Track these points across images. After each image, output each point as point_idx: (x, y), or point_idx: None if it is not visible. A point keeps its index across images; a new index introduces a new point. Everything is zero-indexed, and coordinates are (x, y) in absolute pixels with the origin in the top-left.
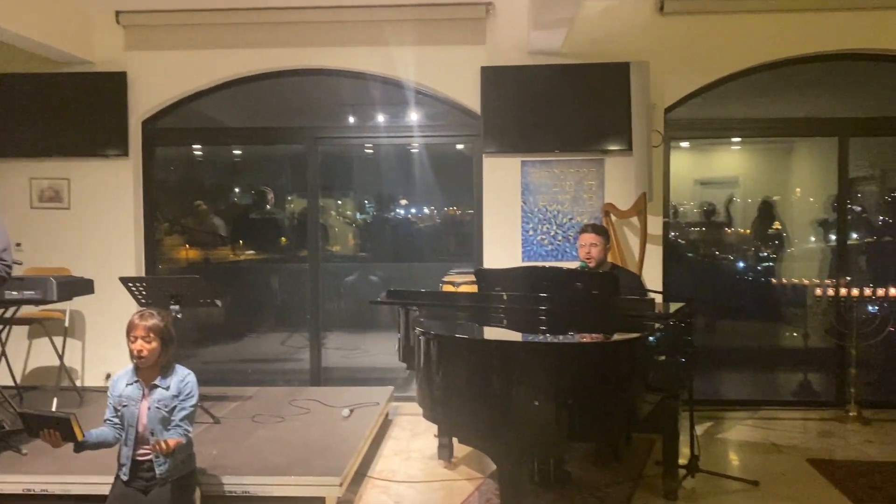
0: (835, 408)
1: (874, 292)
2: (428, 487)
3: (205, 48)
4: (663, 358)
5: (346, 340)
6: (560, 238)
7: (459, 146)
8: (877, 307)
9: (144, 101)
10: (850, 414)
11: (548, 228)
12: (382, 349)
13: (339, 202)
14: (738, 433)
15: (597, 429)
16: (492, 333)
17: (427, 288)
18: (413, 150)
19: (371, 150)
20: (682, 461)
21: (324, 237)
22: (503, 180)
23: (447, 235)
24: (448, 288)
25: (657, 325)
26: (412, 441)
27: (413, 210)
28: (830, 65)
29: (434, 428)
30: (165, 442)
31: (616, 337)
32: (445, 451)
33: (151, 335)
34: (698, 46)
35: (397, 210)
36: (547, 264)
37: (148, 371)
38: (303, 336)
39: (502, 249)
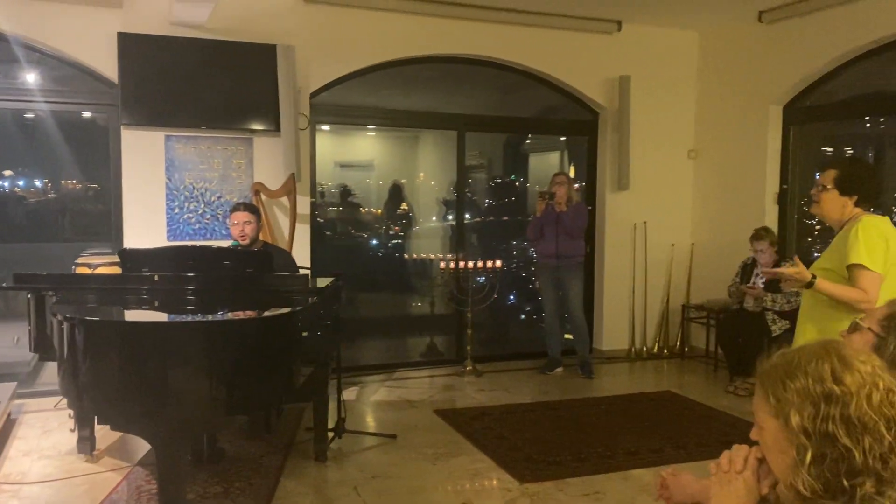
0: (455, 364)
1: (484, 264)
2: (67, 484)
3: None
4: (315, 330)
5: None
6: (208, 217)
7: (87, 114)
8: (485, 277)
9: None
10: (467, 368)
11: (195, 206)
12: None
13: None
14: (378, 394)
15: (256, 402)
16: (142, 315)
17: (50, 270)
18: (28, 116)
19: None
20: (331, 425)
21: None
22: (145, 155)
23: (76, 213)
24: (83, 270)
25: (310, 299)
26: (44, 438)
27: (24, 183)
28: (452, 66)
29: (69, 422)
30: None
31: (270, 312)
32: (86, 444)
33: None
34: (342, 36)
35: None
36: (198, 243)
37: None
38: None
39: (146, 228)
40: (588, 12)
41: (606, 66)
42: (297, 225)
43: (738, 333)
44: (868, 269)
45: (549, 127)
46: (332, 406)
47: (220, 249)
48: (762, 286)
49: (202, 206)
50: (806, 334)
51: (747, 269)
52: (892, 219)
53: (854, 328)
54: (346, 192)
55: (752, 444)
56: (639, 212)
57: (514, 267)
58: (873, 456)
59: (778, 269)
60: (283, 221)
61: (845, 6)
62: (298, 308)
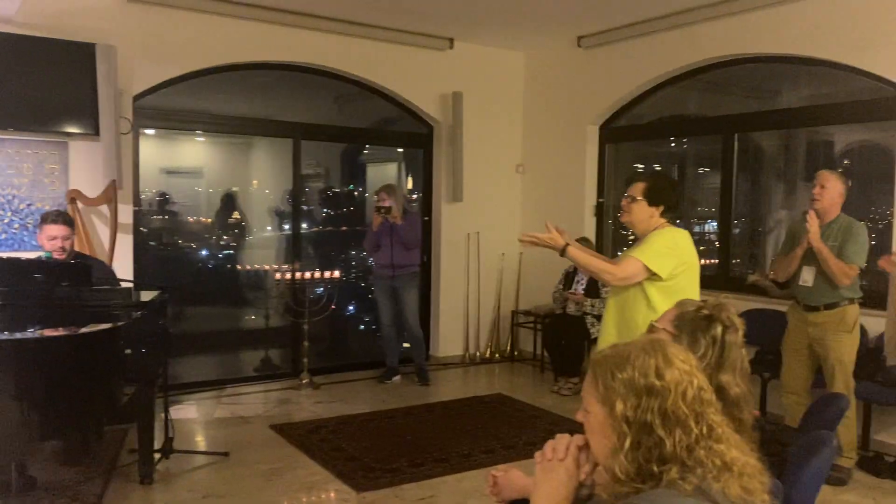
0: (292, 378)
1: (322, 275)
2: None
3: None
4: (139, 346)
5: None
6: (17, 226)
7: None
8: (322, 288)
9: None
10: (304, 381)
11: (1, 215)
12: None
13: None
14: (210, 411)
15: (72, 425)
16: None
17: None
18: None
19: None
20: (158, 445)
21: None
22: None
23: None
24: None
25: (134, 314)
26: None
27: None
28: (288, 73)
29: None
30: None
31: (87, 329)
32: None
33: None
34: (169, 38)
35: None
36: (4, 255)
37: None
38: None
39: None
40: (421, 28)
41: (440, 81)
42: (119, 235)
43: (562, 336)
44: (637, 259)
45: (385, 138)
46: (159, 426)
47: (30, 261)
48: (582, 292)
49: (9, 214)
50: (607, 332)
51: (569, 277)
52: (692, 229)
53: (651, 330)
54: (173, 201)
55: (573, 433)
56: (472, 222)
57: (352, 277)
58: (681, 446)
59: (535, 234)
60: (103, 231)
61: (652, 36)
62: (120, 324)
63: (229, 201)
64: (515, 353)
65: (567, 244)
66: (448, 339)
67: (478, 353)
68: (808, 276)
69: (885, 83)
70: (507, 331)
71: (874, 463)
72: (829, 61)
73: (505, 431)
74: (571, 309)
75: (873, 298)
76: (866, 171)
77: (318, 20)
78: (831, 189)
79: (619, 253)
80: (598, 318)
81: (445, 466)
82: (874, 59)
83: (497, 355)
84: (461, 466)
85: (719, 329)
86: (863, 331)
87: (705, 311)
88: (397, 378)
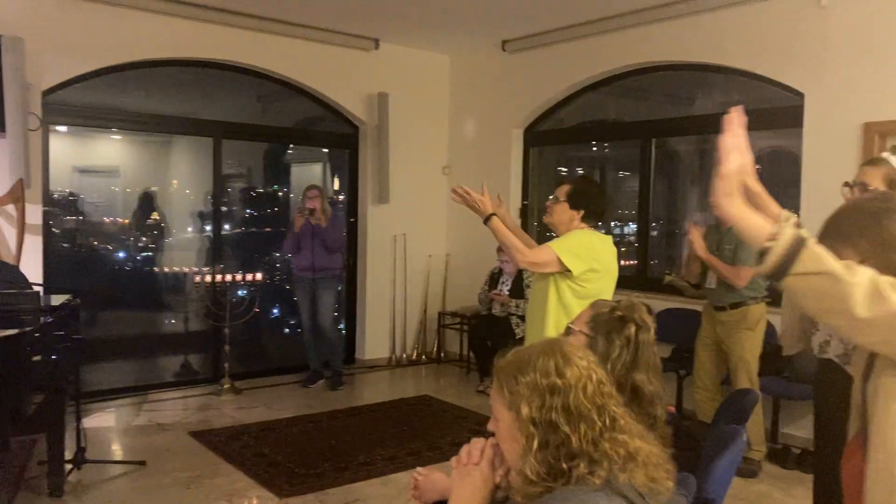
0: (212, 383)
1: (244, 277)
2: None
3: None
4: (48, 352)
5: None
6: None
7: None
8: (245, 290)
9: None
10: (225, 387)
11: None
12: None
13: None
14: (125, 419)
15: None
16: None
17: None
18: None
19: None
20: (70, 456)
21: None
22: None
23: None
24: None
25: (42, 319)
26: None
27: None
28: (209, 71)
29: None
30: None
31: None
32: None
33: None
34: (81, 31)
35: None
36: None
37: None
38: None
39: None
40: (346, 28)
41: (365, 82)
42: (27, 236)
43: (487, 337)
44: (552, 249)
45: (310, 138)
46: (70, 435)
47: None
48: (507, 293)
49: None
50: (531, 331)
51: (495, 278)
52: (612, 232)
53: (567, 332)
54: (87, 200)
55: (489, 437)
56: (398, 224)
57: (277, 279)
58: (587, 440)
59: (468, 190)
60: (10, 232)
61: (574, 42)
62: (27, 329)
63: (147, 202)
64: (442, 354)
65: (493, 214)
66: (374, 342)
67: (404, 355)
68: (711, 279)
69: (791, 92)
70: (433, 332)
71: (782, 455)
72: (738, 70)
73: (431, 433)
74: (497, 310)
75: (780, 297)
76: (775, 176)
77: (240, 17)
78: None
79: None
80: (523, 318)
81: (370, 470)
82: (780, 69)
83: (423, 357)
84: (386, 469)
85: (633, 329)
86: (770, 328)
87: (619, 313)
88: (321, 382)
